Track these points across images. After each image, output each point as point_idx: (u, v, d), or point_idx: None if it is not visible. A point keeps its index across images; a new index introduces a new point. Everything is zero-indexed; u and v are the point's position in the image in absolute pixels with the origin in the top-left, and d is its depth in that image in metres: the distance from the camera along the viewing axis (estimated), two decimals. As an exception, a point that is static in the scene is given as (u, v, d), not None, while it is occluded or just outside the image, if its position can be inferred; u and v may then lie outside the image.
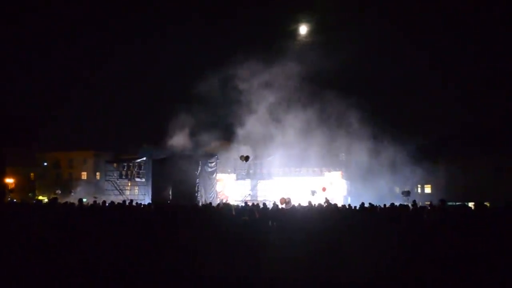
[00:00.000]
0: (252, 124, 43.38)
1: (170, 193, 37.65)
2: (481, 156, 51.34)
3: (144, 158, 44.31)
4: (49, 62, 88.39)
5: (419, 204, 21.70)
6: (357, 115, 43.40)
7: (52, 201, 18.14)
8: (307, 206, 21.68)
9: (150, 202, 33.31)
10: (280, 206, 15.27)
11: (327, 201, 20.71)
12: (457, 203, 20.74)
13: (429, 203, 21.00)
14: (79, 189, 52.63)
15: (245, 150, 38.93)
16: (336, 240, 18.60)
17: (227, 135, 45.43)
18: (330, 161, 44.26)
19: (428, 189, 55.23)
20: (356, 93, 44.00)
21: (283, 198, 14.53)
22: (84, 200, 23.29)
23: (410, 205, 20.22)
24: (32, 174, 68.66)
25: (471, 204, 22.62)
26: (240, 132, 43.70)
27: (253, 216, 12.21)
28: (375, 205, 23.11)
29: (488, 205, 23.48)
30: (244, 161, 38.14)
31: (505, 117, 57.61)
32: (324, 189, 37.83)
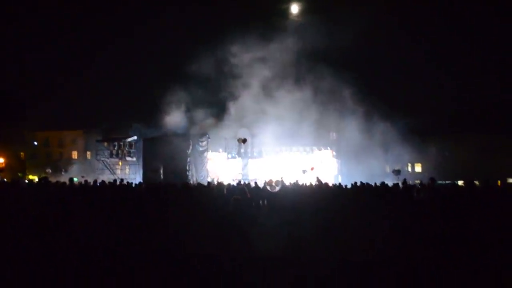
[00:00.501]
0: (243, 103, 43.39)
1: (161, 172, 37.63)
2: (470, 135, 51.68)
3: (135, 137, 44.24)
4: (39, 41, 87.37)
5: (409, 182, 21.85)
6: (349, 93, 43.46)
7: (43, 180, 18.07)
8: (296, 186, 21.76)
9: (141, 181, 33.31)
10: (267, 187, 15.27)
11: (318, 180, 20.77)
12: (447, 182, 20.88)
13: (419, 181, 21.11)
14: (71, 168, 52.48)
15: (242, 133, 38.77)
16: (327, 220, 18.70)
17: (219, 114, 45.39)
18: (321, 140, 44.37)
19: (418, 168, 55.57)
20: (348, 71, 43.82)
21: (271, 179, 14.42)
22: (75, 179, 23.26)
23: (400, 183, 20.35)
24: (22, 153, 68.25)
25: (460, 183, 22.81)
26: (231, 110, 43.78)
27: (244, 195, 12.23)
28: (365, 184, 23.24)
29: (477, 183, 23.67)
30: (242, 144, 37.99)
31: (494, 97, 57.80)
32: (312, 169, 37.94)
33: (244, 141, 31.66)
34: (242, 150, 42.13)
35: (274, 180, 14.32)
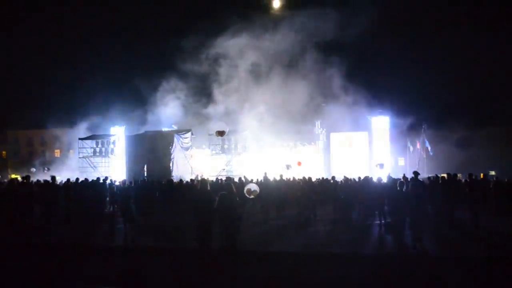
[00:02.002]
0: (227, 98, 43.40)
1: (145, 169, 37.50)
2: (453, 129, 52.12)
3: (118, 134, 44.10)
4: (19, 38, 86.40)
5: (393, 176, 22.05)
6: (334, 87, 43.53)
7: (24, 179, 17.96)
8: (281, 181, 21.84)
9: (125, 178, 33.17)
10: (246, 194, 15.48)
11: (304, 178, 20.96)
12: (430, 176, 21.13)
13: (402, 175, 21.32)
14: (54, 166, 52.04)
15: (219, 125, 38.37)
16: (309, 214, 18.81)
17: (202, 110, 45.33)
18: (306, 134, 44.52)
19: (402, 162, 55.89)
20: (333, 65, 43.60)
21: (249, 188, 14.58)
22: (58, 178, 23.12)
23: (385, 177, 20.68)
24: (4, 152, 67.75)
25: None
26: (214, 106, 43.78)
27: (230, 191, 12.21)
28: (349, 178, 23.39)
29: (459, 176, 23.92)
30: (220, 137, 37.38)
31: (476, 92, 58.37)
32: (299, 164, 37.94)
33: (222, 133, 31.44)
34: (226, 146, 42.10)
35: (252, 190, 14.43)
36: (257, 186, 15.45)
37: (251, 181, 26.21)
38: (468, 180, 18.81)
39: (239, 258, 11.67)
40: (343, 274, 10.37)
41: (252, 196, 15.02)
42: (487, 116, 54.23)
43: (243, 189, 16.24)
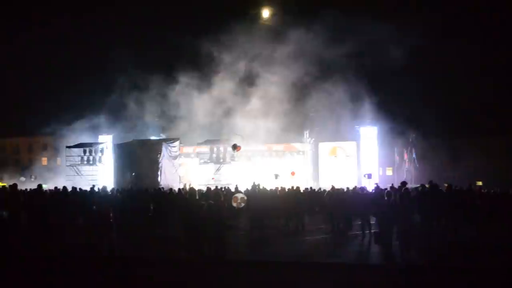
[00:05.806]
0: (215, 107, 43.46)
1: (133, 177, 37.32)
2: (438, 140, 52.44)
3: (106, 143, 43.90)
4: (3, 43, 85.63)
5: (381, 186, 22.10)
6: (322, 98, 43.60)
7: (13, 187, 17.79)
8: (265, 190, 21.76)
9: (113, 187, 33.01)
10: (233, 204, 15.38)
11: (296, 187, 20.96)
12: (417, 185, 21.22)
13: (390, 185, 21.42)
14: (41, 174, 51.68)
15: (235, 140, 38.04)
16: (298, 224, 18.82)
17: (190, 119, 45.22)
18: (295, 144, 44.62)
19: (390, 172, 56.04)
20: (323, 77, 43.74)
21: (236, 197, 14.51)
22: (44, 186, 22.99)
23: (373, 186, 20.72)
24: (-10, 160, 67.25)
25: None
26: (203, 115, 43.79)
27: (218, 200, 12.19)
28: (338, 188, 23.41)
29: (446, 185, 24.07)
30: (236, 151, 36.66)
31: (463, 102, 58.60)
32: (293, 174, 37.96)
33: (239, 148, 31.28)
34: (214, 155, 41.99)
35: (239, 197, 14.30)
36: (244, 195, 15.37)
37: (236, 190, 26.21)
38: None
39: (228, 267, 11.64)
40: (331, 284, 10.37)
41: (242, 205, 14.94)
42: (475, 127, 54.76)
43: (231, 198, 16.26)
